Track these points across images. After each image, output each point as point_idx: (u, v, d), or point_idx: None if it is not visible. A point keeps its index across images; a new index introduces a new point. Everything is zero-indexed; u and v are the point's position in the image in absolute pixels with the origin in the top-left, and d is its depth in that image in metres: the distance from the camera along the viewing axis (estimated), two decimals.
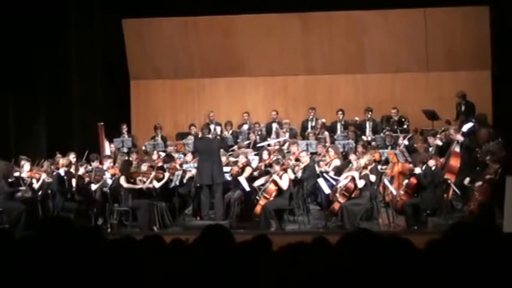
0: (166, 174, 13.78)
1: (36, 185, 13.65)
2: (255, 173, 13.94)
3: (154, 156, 15.15)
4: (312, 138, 16.63)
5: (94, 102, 18.47)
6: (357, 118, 17.79)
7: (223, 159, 14.44)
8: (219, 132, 16.35)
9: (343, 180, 13.09)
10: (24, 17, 16.20)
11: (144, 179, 13.53)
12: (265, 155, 14.42)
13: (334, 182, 13.40)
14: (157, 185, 13.64)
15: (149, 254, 4.20)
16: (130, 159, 15.20)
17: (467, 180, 13.22)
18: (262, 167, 14.05)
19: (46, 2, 16.73)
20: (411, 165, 13.64)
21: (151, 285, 3.91)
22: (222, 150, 14.62)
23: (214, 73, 19.31)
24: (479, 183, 12.78)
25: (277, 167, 13.15)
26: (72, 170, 13.83)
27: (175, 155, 15.66)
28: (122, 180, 13.45)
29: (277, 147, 16.10)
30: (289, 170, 13.23)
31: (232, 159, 15.04)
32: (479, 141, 14.65)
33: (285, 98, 19.32)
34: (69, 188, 13.56)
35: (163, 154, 15.71)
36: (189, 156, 15.33)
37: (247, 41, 18.96)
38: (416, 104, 17.93)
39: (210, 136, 14.39)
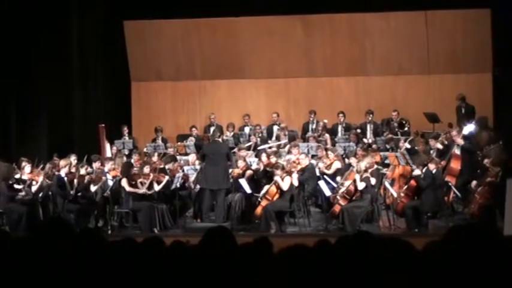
0: (166, 177, 13.77)
1: (34, 188, 13.60)
2: (255, 176, 13.96)
3: (155, 158, 15.13)
4: (312, 141, 16.61)
5: (95, 104, 18.48)
6: (358, 130, 17.60)
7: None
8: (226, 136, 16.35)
9: (346, 184, 13.09)
10: (26, 19, 16.23)
11: (145, 181, 13.52)
12: (263, 157, 14.43)
13: (334, 185, 13.42)
14: (157, 187, 13.65)
15: (149, 256, 4.19)
16: (131, 161, 15.20)
17: (474, 183, 13.18)
18: (261, 169, 14.04)
19: (48, 4, 16.74)
20: (412, 167, 13.64)
21: (152, 287, 3.91)
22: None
23: (215, 75, 19.30)
24: (480, 186, 12.78)
25: (278, 172, 13.11)
26: (73, 171, 13.82)
27: (177, 157, 15.65)
28: (124, 183, 13.44)
29: (275, 149, 16.08)
30: (293, 174, 13.23)
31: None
32: (480, 144, 14.64)
33: (286, 100, 19.30)
34: (69, 190, 13.52)
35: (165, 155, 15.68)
36: (191, 156, 15.30)
37: (249, 43, 18.94)
38: (417, 107, 17.92)
39: (220, 140, 14.39)
